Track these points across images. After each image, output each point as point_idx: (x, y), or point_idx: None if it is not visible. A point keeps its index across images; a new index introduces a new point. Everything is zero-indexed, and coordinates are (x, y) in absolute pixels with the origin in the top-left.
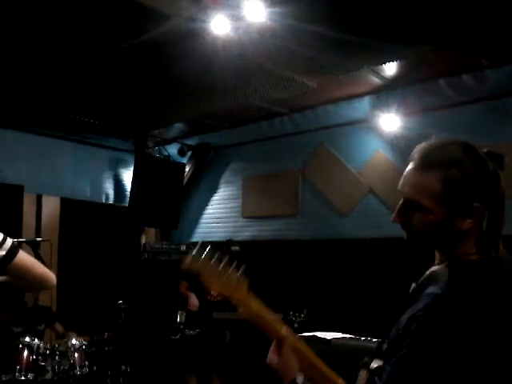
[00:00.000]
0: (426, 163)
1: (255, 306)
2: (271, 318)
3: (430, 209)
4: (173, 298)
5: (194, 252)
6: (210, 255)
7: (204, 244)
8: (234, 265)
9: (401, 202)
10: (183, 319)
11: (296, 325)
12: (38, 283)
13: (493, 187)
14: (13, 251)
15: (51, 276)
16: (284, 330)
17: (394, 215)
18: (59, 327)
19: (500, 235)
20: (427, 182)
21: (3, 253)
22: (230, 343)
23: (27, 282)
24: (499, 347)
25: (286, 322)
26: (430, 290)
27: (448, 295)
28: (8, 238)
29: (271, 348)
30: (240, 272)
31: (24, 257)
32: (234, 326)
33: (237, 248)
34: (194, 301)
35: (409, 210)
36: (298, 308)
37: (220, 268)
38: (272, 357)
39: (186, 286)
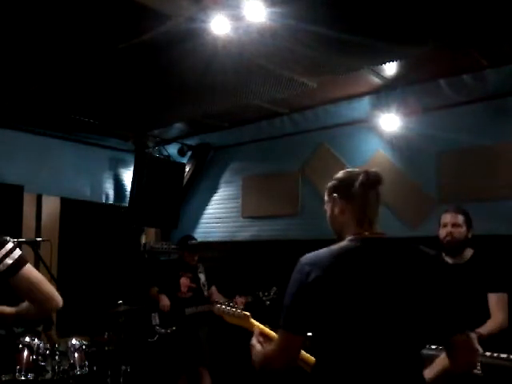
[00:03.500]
0: None
1: (254, 326)
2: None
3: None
4: (146, 302)
5: (217, 304)
6: (227, 304)
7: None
8: (239, 307)
9: None
10: (157, 321)
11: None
12: (44, 301)
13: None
14: (21, 262)
15: (58, 297)
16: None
17: None
18: (54, 334)
19: None
20: None
21: (10, 262)
22: (207, 334)
23: (30, 298)
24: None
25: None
26: None
27: None
28: (18, 248)
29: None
30: (242, 310)
31: (32, 270)
32: (205, 319)
33: (194, 241)
34: (164, 301)
35: None
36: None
37: (231, 310)
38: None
39: (156, 290)
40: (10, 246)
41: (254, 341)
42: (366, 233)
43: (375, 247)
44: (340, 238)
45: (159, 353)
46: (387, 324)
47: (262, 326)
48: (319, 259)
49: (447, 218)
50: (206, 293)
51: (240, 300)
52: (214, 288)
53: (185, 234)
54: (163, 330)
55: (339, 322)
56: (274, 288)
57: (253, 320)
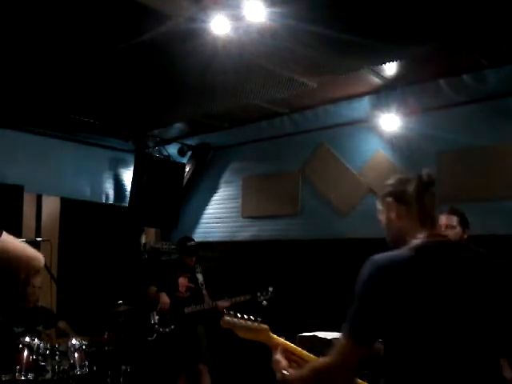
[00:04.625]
0: None
1: (275, 341)
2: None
3: None
4: (144, 302)
5: (227, 316)
6: (239, 316)
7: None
8: (252, 318)
9: None
10: (156, 320)
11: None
12: (26, 256)
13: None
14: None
15: (34, 255)
16: (278, 342)
17: None
18: (63, 325)
19: None
20: None
21: None
22: (205, 332)
23: (14, 255)
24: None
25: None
26: None
27: None
28: None
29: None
30: (259, 321)
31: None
32: (204, 317)
33: (192, 243)
34: (165, 299)
35: None
36: (298, 308)
37: (244, 322)
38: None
39: (154, 290)
40: None
41: (280, 360)
42: (432, 235)
43: (445, 250)
44: (398, 244)
45: (158, 351)
46: (466, 329)
47: (286, 342)
48: (393, 261)
49: (442, 219)
50: (203, 292)
51: (222, 304)
52: (205, 292)
53: (184, 235)
54: (162, 329)
55: (418, 327)
56: (271, 288)
57: (273, 334)
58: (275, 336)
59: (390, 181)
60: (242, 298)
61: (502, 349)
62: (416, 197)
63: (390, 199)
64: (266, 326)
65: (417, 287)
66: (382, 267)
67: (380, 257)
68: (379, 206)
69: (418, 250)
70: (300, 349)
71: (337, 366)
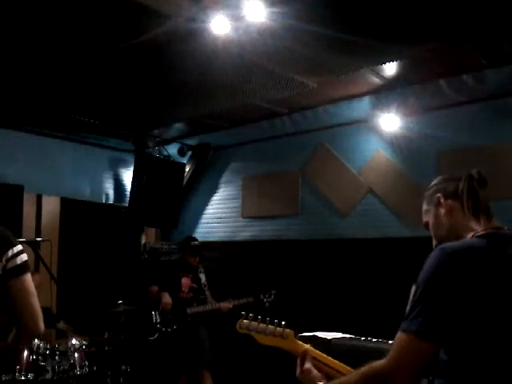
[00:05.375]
0: None
1: (302, 348)
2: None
3: None
4: (145, 301)
5: (244, 319)
6: (257, 318)
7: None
8: (276, 322)
9: None
10: (158, 319)
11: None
12: (29, 316)
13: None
14: (26, 266)
15: (41, 320)
16: (306, 349)
17: None
18: (62, 325)
19: None
20: None
21: (19, 262)
22: (207, 335)
23: (20, 308)
24: None
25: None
26: None
27: None
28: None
29: (298, 364)
30: (283, 326)
31: (31, 280)
32: (206, 319)
33: (196, 243)
34: (167, 299)
35: None
36: (298, 308)
37: (265, 327)
38: (298, 371)
39: (156, 290)
40: (20, 247)
41: (311, 370)
42: (492, 228)
43: (509, 241)
44: (450, 241)
45: (159, 351)
46: None
47: (315, 350)
48: (464, 248)
49: None
50: (206, 293)
51: (225, 306)
52: (208, 292)
53: (184, 235)
54: (164, 329)
55: (499, 322)
56: (274, 291)
57: (299, 341)
58: (301, 343)
59: (437, 180)
60: (245, 301)
61: None
62: (469, 192)
63: (439, 195)
64: (291, 331)
65: (493, 275)
66: (452, 253)
67: (449, 244)
68: (425, 206)
69: (487, 237)
70: (331, 358)
71: (398, 369)
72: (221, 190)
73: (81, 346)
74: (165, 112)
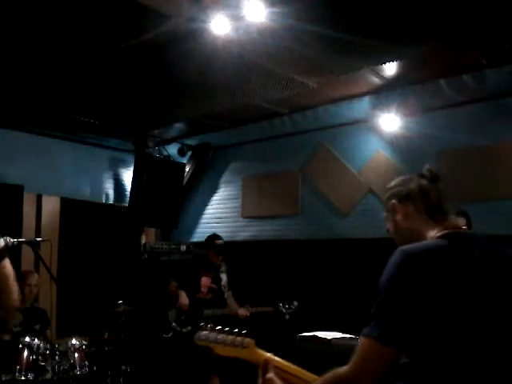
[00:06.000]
0: None
1: (263, 357)
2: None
3: None
4: (163, 298)
5: (203, 331)
6: (216, 328)
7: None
8: (235, 331)
9: None
10: (174, 318)
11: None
12: (8, 297)
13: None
14: (3, 252)
15: (17, 298)
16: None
17: None
18: (50, 334)
19: None
20: None
21: None
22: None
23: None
24: None
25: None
26: None
27: None
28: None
29: (259, 374)
30: (243, 335)
31: (10, 265)
32: (223, 322)
33: (221, 241)
34: (184, 299)
35: None
36: (298, 307)
37: (225, 337)
38: (259, 382)
39: (175, 286)
40: None
41: (274, 379)
42: (450, 228)
43: (473, 240)
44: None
45: (171, 350)
46: (504, 324)
47: (277, 358)
48: (423, 249)
49: None
50: (226, 295)
51: (242, 313)
52: (230, 293)
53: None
54: (179, 328)
55: (461, 323)
56: (296, 302)
57: (259, 350)
58: (262, 351)
59: (392, 183)
60: (264, 309)
61: None
62: (419, 193)
63: (393, 201)
64: (251, 341)
65: (454, 276)
66: (411, 254)
67: (408, 246)
68: (384, 212)
69: (448, 237)
70: (295, 366)
71: (361, 375)
72: (221, 190)
73: (81, 346)
74: (165, 112)
